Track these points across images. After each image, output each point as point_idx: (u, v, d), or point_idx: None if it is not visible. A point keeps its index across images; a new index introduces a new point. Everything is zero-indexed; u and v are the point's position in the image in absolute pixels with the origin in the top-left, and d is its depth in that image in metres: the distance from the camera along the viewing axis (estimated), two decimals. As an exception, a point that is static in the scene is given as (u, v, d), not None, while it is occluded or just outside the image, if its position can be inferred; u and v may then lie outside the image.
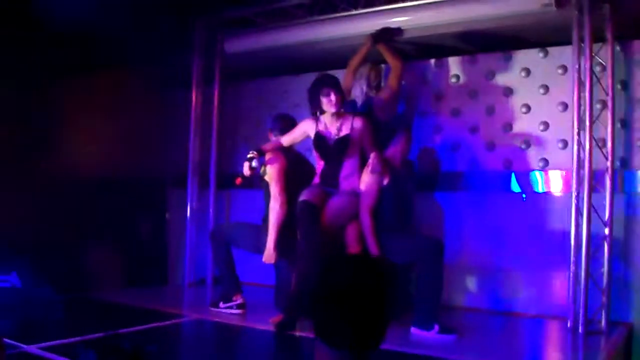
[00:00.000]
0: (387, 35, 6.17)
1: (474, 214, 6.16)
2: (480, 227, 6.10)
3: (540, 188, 5.89)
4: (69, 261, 6.31)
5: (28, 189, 6.38)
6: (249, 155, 5.43)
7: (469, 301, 6.13)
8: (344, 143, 5.42)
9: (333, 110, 5.36)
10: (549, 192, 5.85)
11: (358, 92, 6.08)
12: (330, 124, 5.45)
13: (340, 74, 5.92)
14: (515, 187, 5.98)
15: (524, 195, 5.95)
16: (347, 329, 2.04)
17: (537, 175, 5.90)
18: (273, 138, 5.98)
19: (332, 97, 5.33)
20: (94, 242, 6.75)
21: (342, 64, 6.28)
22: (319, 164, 5.62)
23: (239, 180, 5.56)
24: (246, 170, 5.40)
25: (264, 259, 5.51)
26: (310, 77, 5.78)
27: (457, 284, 6.10)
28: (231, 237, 5.94)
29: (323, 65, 6.69)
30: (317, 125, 5.50)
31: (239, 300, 5.82)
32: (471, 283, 6.14)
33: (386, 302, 2.09)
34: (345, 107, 5.70)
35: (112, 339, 2.16)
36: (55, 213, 6.47)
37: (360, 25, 6.40)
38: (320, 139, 5.48)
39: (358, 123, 5.42)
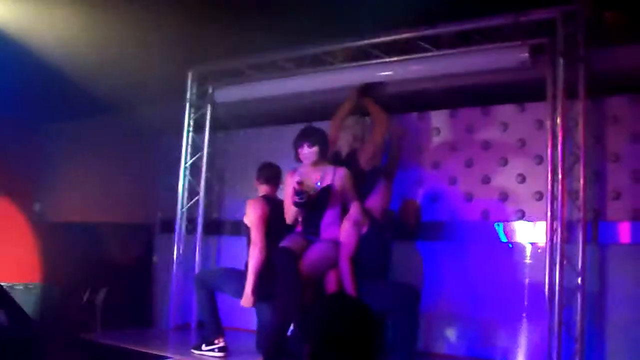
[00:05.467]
0: (372, 90, 6.39)
1: (453, 263, 6.29)
2: (459, 276, 6.22)
3: (517, 239, 6.04)
4: (57, 302, 6.40)
5: (20, 232, 6.51)
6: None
7: (447, 349, 6.22)
8: (326, 193, 5.59)
9: (307, 161, 5.57)
10: (525, 242, 6.00)
11: (343, 143, 6.26)
12: (310, 174, 5.62)
13: (326, 126, 6.14)
14: (502, 237, 6.12)
15: (510, 245, 6.09)
16: None
17: (514, 227, 6.06)
18: (259, 186, 6.16)
19: (305, 149, 5.57)
20: (83, 285, 6.85)
21: (328, 116, 6.45)
22: (301, 213, 5.78)
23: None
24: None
25: (242, 303, 5.62)
26: (298, 128, 5.97)
27: (435, 331, 6.21)
28: (215, 282, 6.07)
29: (310, 116, 6.87)
30: (300, 175, 5.66)
31: (221, 344, 5.90)
32: (449, 331, 6.24)
33: (376, 341, 2.28)
34: (330, 158, 5.89)
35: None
36: (44, 255, 6.59)
37: (346, 79, 6.63)
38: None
39: (340, 173, 5.60)
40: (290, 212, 5.67)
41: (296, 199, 5.43)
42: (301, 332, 2.41)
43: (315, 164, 5.60)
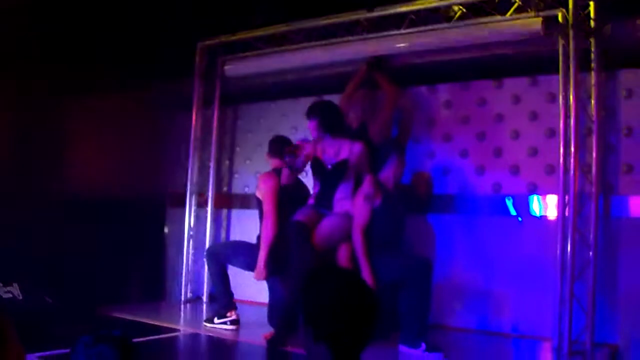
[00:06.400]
0: (382, 63, 6.36)
1: (463, 236, 6.29)
2: (470, 249, 6.23)
3: (528, 212, 6.03)
4: (69, 276, 6.44)
5: (32, 207, 6.53)
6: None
7: (457, 321, 6.23)
8: (341, 167, 5.59)
9: (313, 135, 5.62)
10: (537, 216, 5.99)
11: (353, 117, 6.23)
12: (327, 148, 5.62)
13: (337, 99, 6.13)
14: (511, 210, 6.12)
15: (519, 218, 6.08)
16: (341, 329, 2.21)
17: (525, 200, 6.05)
18: (270, 160, 6.16)
19: (309, 124, 5.64)
20: (95, 258, 6.88)
21: (339, 89, 6.43)
22: (314, 186, 5.79)
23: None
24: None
25: (254, 276, 5.65)
26: (308, 101, 5.97)
27: (445, 303, 6.20)
28: (226, 255, 6.09)
29: (320, 89, 6.87)
30: (315, 148, 5.68)
31: (233, 317, 5.96)
32: (459, 303, 6.25)
33: (371, 307, 2.27)
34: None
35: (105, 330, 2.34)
36: (57, 230, 6.62)
37: (356, 52, 6.59)
38: (317, 162, 5.66)
39: (357, 148, 5.59)
40: (283, 174, 5.75)
41: (286, 159, 5.51)
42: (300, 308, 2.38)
43: (319, 136, 5.65)
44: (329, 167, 5.61)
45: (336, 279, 2.34)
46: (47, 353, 4.52)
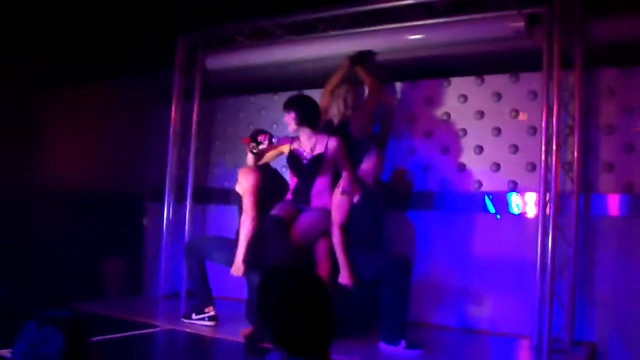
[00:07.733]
0: (364, 58, 6.32)
1: (443, 233, 6.28)
2: (450, 247, 6.21)
3: (508, 209, 6.02)
4: (44, 269, 6.36)
5: (6, 199, 6.44)
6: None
7: (437, 318, 6.22)
8: (317, 161, 5.55)
9: (290, 129, 5.60)
10: (517, 213, 5.98)
11: (335, 112, 6.18)
12: (304, 142, 5.58)
13: (318, 94, 6.08)
14: (490, 207, 6.11)
15: (498, 216, 6.07)
16: (295, 334, 2.12)
17: (506, 197, 6.04)
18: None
19: (286, 116, 5.60)
20: (72, 252, 6.81)
21: (320, 83, 6.40)
22: (292, 181, 5.75)
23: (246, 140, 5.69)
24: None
25: (232, 271, 5.58)
26: (288, 95, 5.93)
27: (425, 301, 6.20)
28: (205, 251, 6.03)
29: (301, 84, 6.83)
30: (292, 143, 5.64)
31: (211, 312, 5.90)
32: (439, 301, 6.25)
33: (327, 308, 2.18)
34: (322, 127, 5.85)
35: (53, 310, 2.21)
36: (32, 222, 6.54)
37: (338, 47, 6.55)
38: (293, 157, 5.63)
39: (332, 143, 5.54)
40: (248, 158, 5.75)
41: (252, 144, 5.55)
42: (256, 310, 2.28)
43: (296, 130, 5.60)
44: (305, 162, 5.57)
45: (284, 279, 2.24)
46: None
